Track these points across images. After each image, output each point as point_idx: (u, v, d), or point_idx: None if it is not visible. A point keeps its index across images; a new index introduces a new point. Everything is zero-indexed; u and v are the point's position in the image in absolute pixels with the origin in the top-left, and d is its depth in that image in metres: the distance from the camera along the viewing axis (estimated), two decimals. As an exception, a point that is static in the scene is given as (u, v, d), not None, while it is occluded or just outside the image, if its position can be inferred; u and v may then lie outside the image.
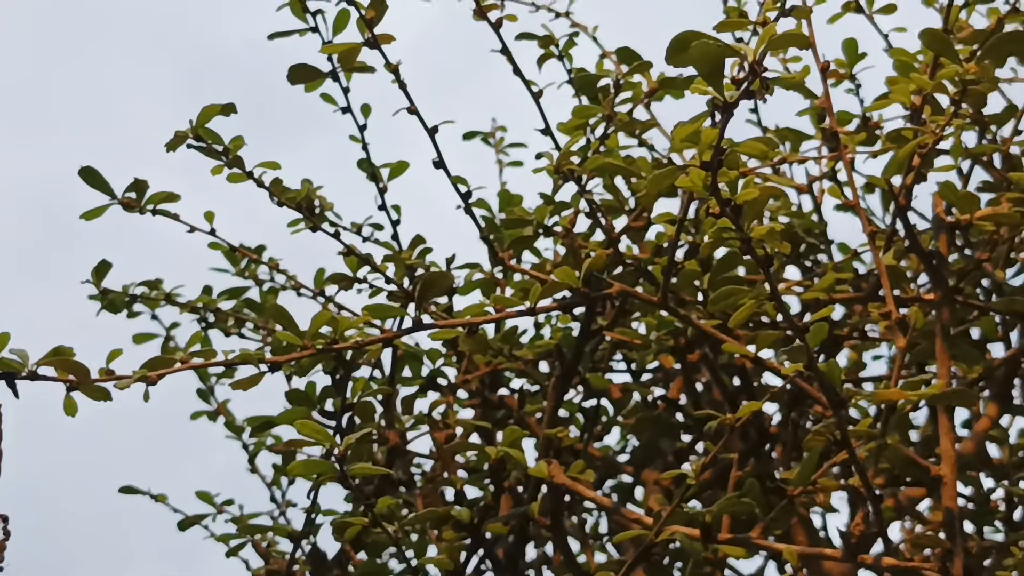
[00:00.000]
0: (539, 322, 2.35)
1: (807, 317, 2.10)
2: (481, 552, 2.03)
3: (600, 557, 2.24)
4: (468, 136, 2.58)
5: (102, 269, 2.07)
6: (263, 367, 1.64)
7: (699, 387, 2.21)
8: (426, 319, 1.65)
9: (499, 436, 1.81)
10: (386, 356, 2.10)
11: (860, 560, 1.66)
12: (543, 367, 2.23)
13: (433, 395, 2.17)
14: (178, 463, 2.34)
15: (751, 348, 1.78)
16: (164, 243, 2.32)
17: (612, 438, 2.54)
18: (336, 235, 1.97)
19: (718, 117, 1.32)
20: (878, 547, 1.73)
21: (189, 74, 4.31)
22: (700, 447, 2.24)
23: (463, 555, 2.06)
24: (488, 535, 1.96)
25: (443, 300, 2.16)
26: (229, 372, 2.43)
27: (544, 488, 1.96)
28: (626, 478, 2.32)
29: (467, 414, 2.23)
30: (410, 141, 2.11)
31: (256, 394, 2.47)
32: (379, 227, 2.13)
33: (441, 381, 2.17)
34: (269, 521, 2.26)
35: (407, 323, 1.65)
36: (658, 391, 2.25)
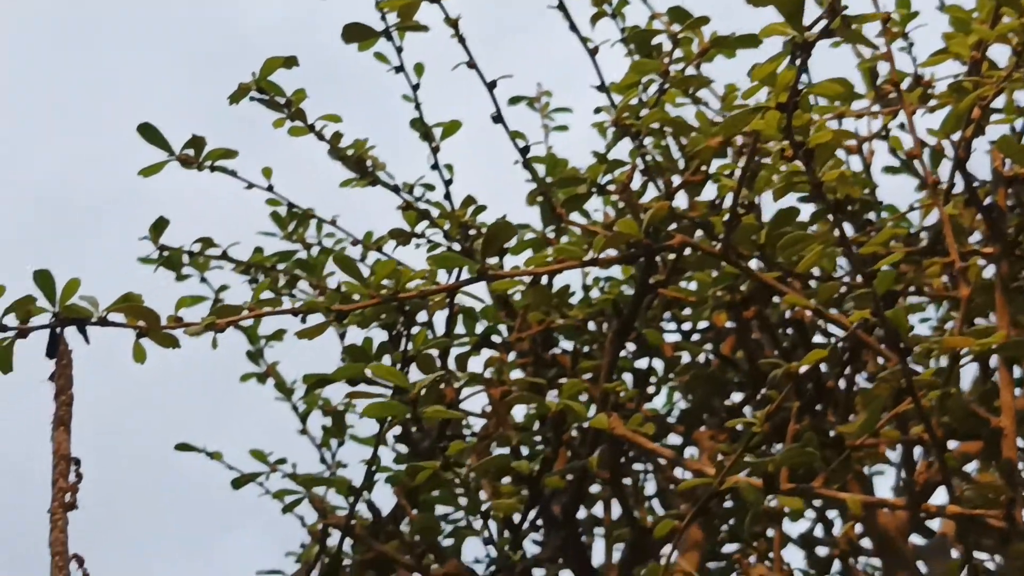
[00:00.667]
0: (588, 284, 2.36)
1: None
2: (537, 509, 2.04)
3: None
4: (513, 101, 2.59)
5: (160, 225, 2.08)
6: (329, 315, 1.65)
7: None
8: (490, 267, 1.66)
9: (552, 396, 1.82)
10: (438, 318, 2.11)
11: (924, 508, 1.66)
12: (593, 328, 2.23)
13: (487, 353, 2.18)
14: (224, 426, 2.35)
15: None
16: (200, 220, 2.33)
17: (658, 401, 2.55)
18: (395, 189, 1.98)
19: (796, 59, 1.32)
20: (940, 498, 1.74)
21: (207, 57, 4.32)
22: (748, 412, 2.24)
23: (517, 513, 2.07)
24: (545, 490, 1.97)
25: (494, 260, 2.17)
26: (279, 334, 2.43)
27: (597, 453, 1.97)
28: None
29: (518, 374, 2.24)
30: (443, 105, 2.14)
31: (300, 361, 2.48)
32: (431, 187, 2.14)
33: (495, 339, 2.18)
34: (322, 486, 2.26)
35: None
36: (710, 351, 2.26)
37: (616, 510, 2.30)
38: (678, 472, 2.21)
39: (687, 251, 2.04)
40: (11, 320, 1.52)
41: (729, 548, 2.28)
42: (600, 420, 1.81)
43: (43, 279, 1.52)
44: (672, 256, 2.06)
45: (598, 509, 2.32)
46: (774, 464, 1.70)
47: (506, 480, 2.03)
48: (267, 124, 1.89)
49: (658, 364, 2.28)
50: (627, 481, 2.23)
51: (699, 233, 1.92)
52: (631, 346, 2.23)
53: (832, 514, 2.34)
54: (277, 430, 2.47)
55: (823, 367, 2.04)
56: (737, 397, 2.27)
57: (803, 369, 1.60)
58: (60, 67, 4.32)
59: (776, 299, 2.18)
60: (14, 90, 4.25)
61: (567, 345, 2.26)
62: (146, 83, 4.24)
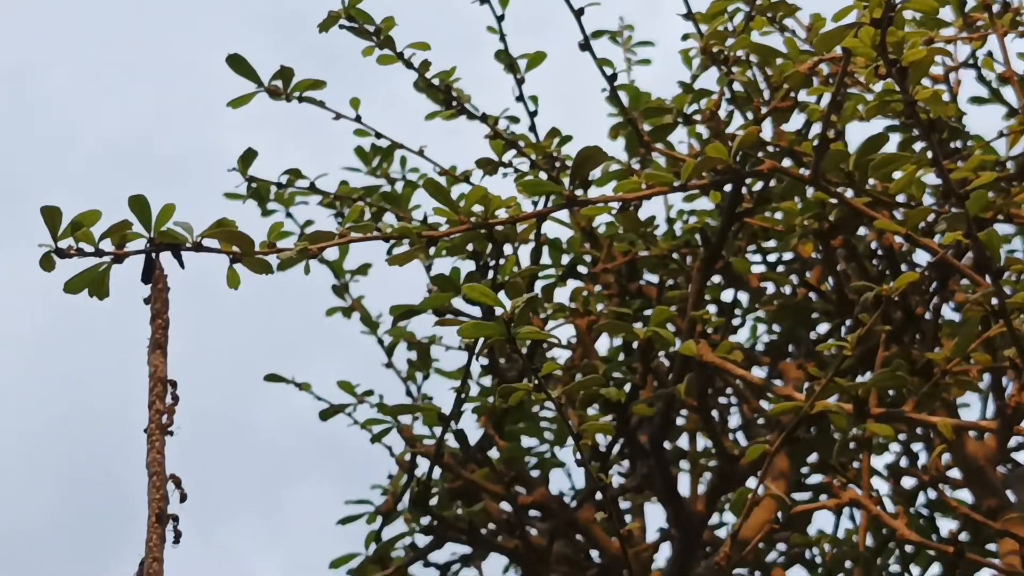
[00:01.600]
0: (672, 218, 2.36)
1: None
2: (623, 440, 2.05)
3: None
4: (596, 35, 2.58)
5: (248, 157, 2.09)
6: (419, 241, 1.66)
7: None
8: (579, 195, 1.66)
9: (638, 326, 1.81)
10: (524, 252, 2.11)
11: (1017, 432, 1.66)
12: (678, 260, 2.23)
13: (573, 284, 2.19)
14: (309, 362, 2.36)
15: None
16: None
17: (743, 335, 2.55)
18: (483, 118, 1.98)
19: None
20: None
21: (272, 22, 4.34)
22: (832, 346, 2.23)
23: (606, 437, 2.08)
24: (632, 419, 1.98)
25: (579, 192, 2.17)
26: (364, 268, 2.44)
27: (684, 381, 1.97)
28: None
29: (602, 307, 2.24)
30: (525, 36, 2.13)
31: (384, 297, 2.48)
32: (515, 120, 2.14)
33: (580, 270, 2.18)
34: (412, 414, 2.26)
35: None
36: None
37: (701, 443, 2.31)
38: (765, 405, 2.21)
39: (775, 179, 2.04)
40: (107, 245, 1.53)
41: (814, 479, 2.28)
42: (689, 346, 1.81)
43: (138, 205, 1.53)
44: (759, 186, 2.05)
45: (683, 442, 2.33)
46: (865, 388, 1.70)
47: (593, 411, 2.04)
48: (349, 66, 1.90)
49: (743, 297, 2.28)
50: (713, 414, 2.24)
51: (787, 162, 1.91)
52: (716, 279, 2.23)
53: (917, 447, 2.34)
54: (362, 365, 2.48)
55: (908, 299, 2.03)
56: (823, 329, 2.26)
57: (895, 292, 1.59)
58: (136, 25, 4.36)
59: (863, 231, 2.17)
60: (88, 44, 4.28)
61: (652, 279, 2.27)
62: (224, 35, 4.26)
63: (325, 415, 2.21)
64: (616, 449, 2.15)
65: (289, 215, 2.39)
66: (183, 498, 1.48)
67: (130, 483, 1.50)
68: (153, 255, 1.54)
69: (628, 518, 2.26)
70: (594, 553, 2.26)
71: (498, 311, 1.45)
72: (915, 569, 2.27)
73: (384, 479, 2.29)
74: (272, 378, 2.21)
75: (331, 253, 2.42)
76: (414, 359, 2.36)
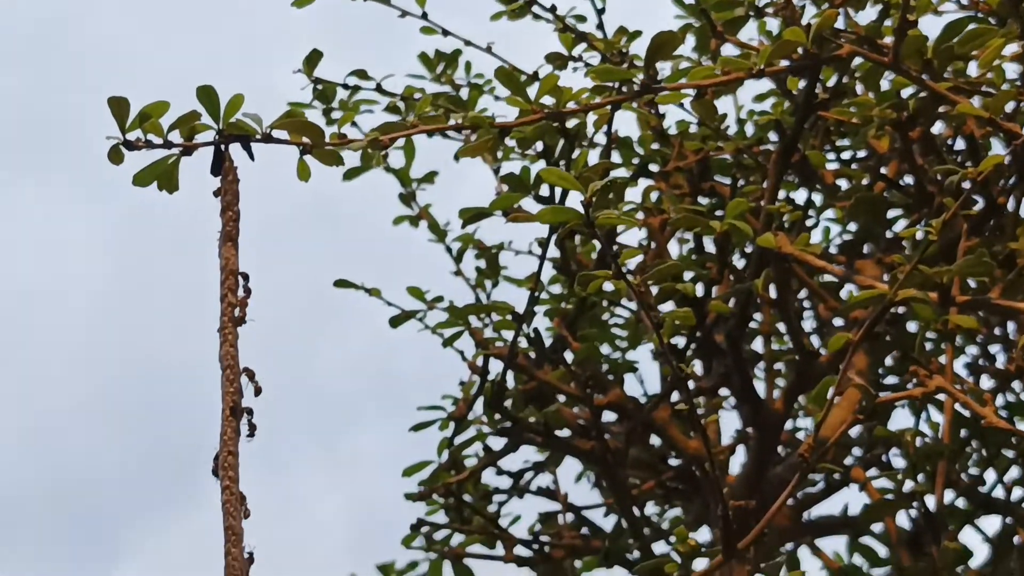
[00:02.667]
0: (742, 118, 2.32)
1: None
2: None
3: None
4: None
5: (313, 58, 2.06)
6: (491, 132, 1.63)
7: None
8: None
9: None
10: (593, 157, 2.08)
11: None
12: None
13: (644, 183, 2.15)
14: (377, 273, 2.33)
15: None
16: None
17: (816, 237, 2.51)
18: (552, 8, 1.95)
19: None
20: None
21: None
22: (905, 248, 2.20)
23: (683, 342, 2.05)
24: (709, 318, 1.95)
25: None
26: (430, 176, 2.42)
27: (762, 276, 1.93)
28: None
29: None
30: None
31: (451, 206, 2.45)
32: (582, 19, 2.10)
33: (652, 169, 2.14)
34: (479, 320, 2.24)
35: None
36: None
37: (777, 347, 2.28)
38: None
39: (850, 74, 2.00)
40: (176, 137, 1.51)
41: (893, 381, 2.25)
42: (767, 238, 1.78)
43: (207, 95, 1.50)
44: (834, 81, 2.01)
45: (758, 345, 2.30)
46: (950, 275, 1.66)
47: (667, 309, 2.01)
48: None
49: (817, 198, 2.24)
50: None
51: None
52: (789, 179, 2.19)
53: (995, 349, 2.30)
54: (431, 276, 2.45)
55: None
56: (900, 228, 2.22)
57: (980, 175, 1.55)
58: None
59: (939, 127, 2.13)
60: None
61: (723, 180, 2.23)
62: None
63: (396, 321, 2.19)
64: (692, 350, 2.12)
65: (355, 124, 2.36)
66: (257, 391, 1.47)
67: (205, 378, 1.48)
68: (222, 146, 1.52)
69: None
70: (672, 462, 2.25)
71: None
72: (989, 476, 2.24)
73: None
74: (341, 284, 2.18)
75: (397, 160, 2.40)
76: (483, 267, 2.34)
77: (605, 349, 2.27)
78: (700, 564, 1.67)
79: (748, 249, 2.10)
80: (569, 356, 2.09)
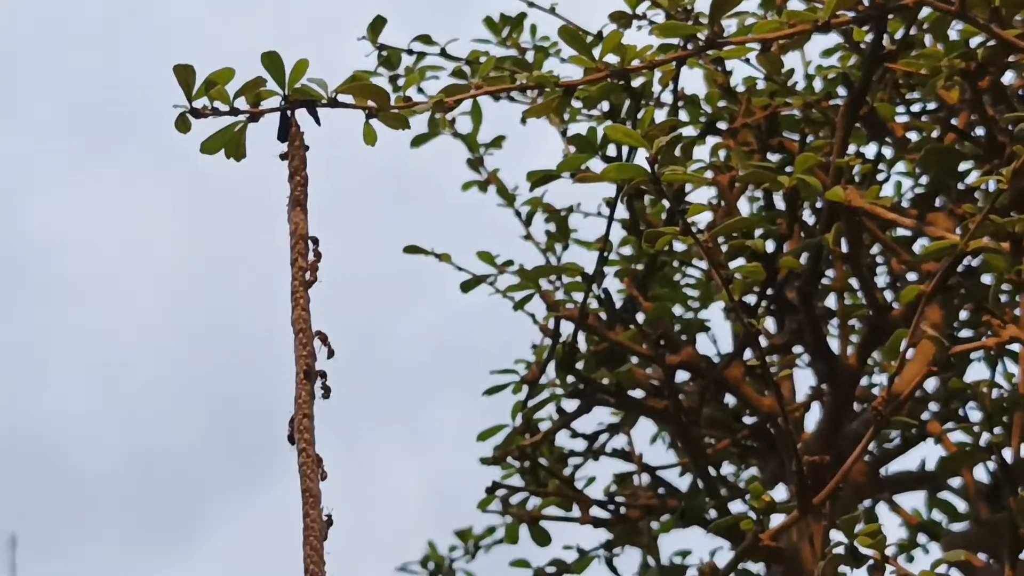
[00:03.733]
0: (810, 74, 2.30)
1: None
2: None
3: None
4: None
5: (377, 25, 2.06)
6: (556, 91, 1.62)
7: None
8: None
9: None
10: (660, 116, 2.07)
11: None
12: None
13: (712, 141, 2.14)
14: (444, 242, 2.34)
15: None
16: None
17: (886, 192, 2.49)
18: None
19: None
20: None
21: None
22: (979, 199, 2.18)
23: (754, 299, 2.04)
24: (780, 274, 1.94)
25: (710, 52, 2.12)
26: (498, 141, 2.42)
27: (833, 230, 1.92)
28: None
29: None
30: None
31: (519, 170, 2.45)
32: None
33: (720, 126, 2.13)
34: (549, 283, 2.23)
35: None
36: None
37: (850, 302, 2.26)
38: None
39: (918, 26, 1.98)
40: (242, 104, 1.51)
41: (967, 334, 2.23)
42: (836, 192, 1.76)
43: (272, 62, 1.50)
44: (901, 32, 1.99)
45: (831, 302, 2.29)
46: (1021, 224, 1.64)
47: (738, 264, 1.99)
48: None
49: (887, 152, 2.22)
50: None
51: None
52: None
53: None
54: (501, 241, 2.46)
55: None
56: (971, 180, 2.20)
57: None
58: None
59: (1010, 74, 2.10)
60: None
61: (792, 137, 2.21)
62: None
63: (466, 286, 2.19)
64: (763, 307, 2.11)
65: (420, 90, 2.36)
66: (331, 354, 1.47)
67: (279, 342, 1.49)
68: (288, 112, 1.52)
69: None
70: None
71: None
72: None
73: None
74: (411, 249, 2.18)
75: (464, 126, 2.40)
76: (552, 231, 2.33)
77: (677, 310, 2.27)
78: (776, 521, 1.67)
79: (818, 204, 2.08)
80: (640, 317, 2.09)
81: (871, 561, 1.52)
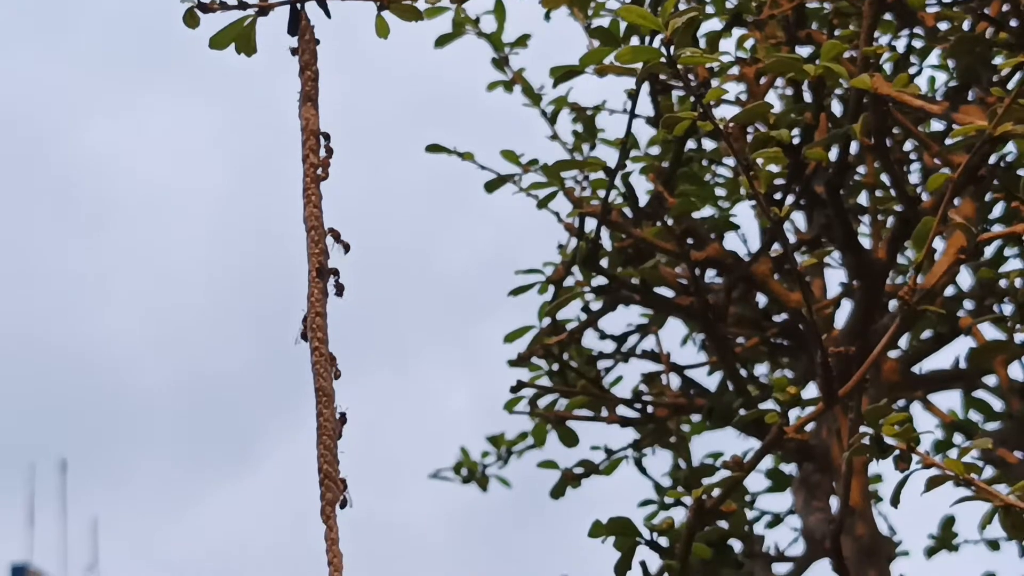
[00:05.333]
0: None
1: None
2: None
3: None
4: None
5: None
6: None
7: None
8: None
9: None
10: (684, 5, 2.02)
11: None
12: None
13: (738, 32, 2.10)
14: (470, 143, 2.30)
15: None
16: None
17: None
18: None
19: None
20: None
21: None
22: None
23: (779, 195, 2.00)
24: (807, 167, 1.90)
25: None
26: (523, 40, 2.38)
27: (860, 120, 1.88)
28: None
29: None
30: None
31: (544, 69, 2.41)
32: None
33: (747, 18, 2.09)
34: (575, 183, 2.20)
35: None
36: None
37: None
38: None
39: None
40: (250, -4, 1.48)
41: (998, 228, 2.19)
42: (862, 80, 1.72)
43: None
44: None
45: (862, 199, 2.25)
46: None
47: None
48: None
49: (918, 44, 2.17)
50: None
51: None
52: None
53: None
54: (526, 142, 2.42)
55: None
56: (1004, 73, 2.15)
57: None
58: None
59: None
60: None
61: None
62: None
63: (491, 186, 2.16)
64: (791, 203, 2.07)
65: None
66: (346, 249, 1.45)
67: (290, 240, 1.47)
68: (298, 5, 1.49)
69: (807, 279, 2.20)
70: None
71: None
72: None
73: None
74: (434, 148, 2.16)
75: (488, 25, 2.36)
76: (580, 131, 2.30)
77: (707, 211, 2.23)
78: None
79: (845, 95, 2.04)
80: (666, 216, 2.05)
81: (897, 452, 1.50)
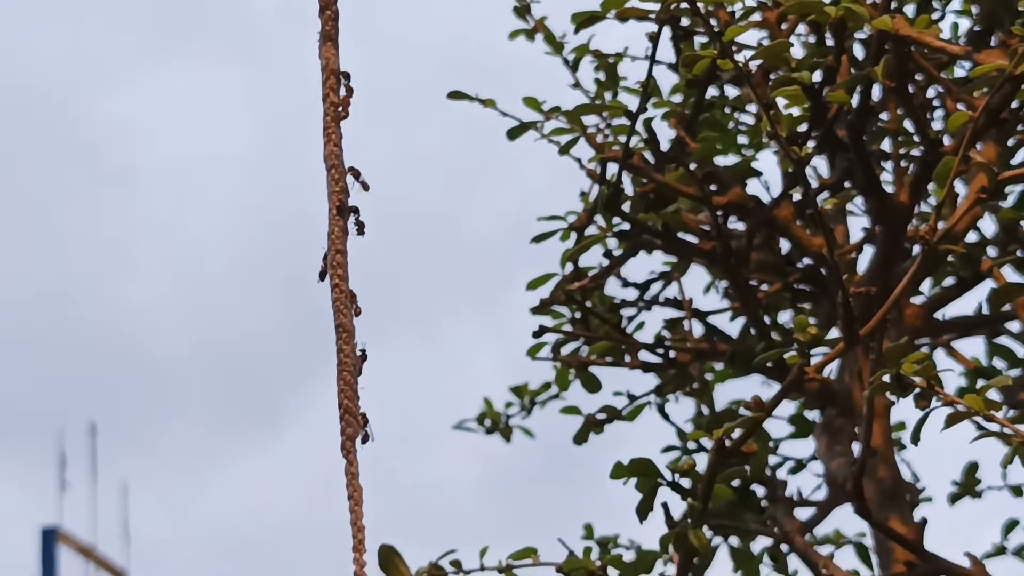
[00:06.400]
0: None
1: None
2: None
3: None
4: None
5: None
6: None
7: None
8: None
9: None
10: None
11: None
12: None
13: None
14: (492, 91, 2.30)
15: None
16: None
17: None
18: None
19: None
20: None
21: None
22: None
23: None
24: (829, 110, 1.89)
25: None
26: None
27: (882, 63, 1.87)
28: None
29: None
30: None
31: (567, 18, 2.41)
32: None
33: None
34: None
35: None
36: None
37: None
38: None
39: None
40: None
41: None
42: (883, 21, 1.72)
43: None
44: None
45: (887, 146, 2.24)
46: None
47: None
48: None
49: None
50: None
51: None
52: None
53: None
54: (549, 91, 2.42)
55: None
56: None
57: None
58: None
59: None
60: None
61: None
62: None
63: (513, 133, 2.16)
64: (813, 147, 2.07)
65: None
66: (365, 187, 1.46)
67: (310, 177, 1.47)
68: (317, -56, 1.49)
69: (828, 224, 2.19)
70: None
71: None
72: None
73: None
74: (455, 95, 2.15)
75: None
76: (602, 79, 2.29)
77: (730, 159, 2.23)
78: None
79: (867, 39, 2.03)
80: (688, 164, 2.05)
81: (917, 390, 1.50)
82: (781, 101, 1.82)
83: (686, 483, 1.77)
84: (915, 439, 1.51)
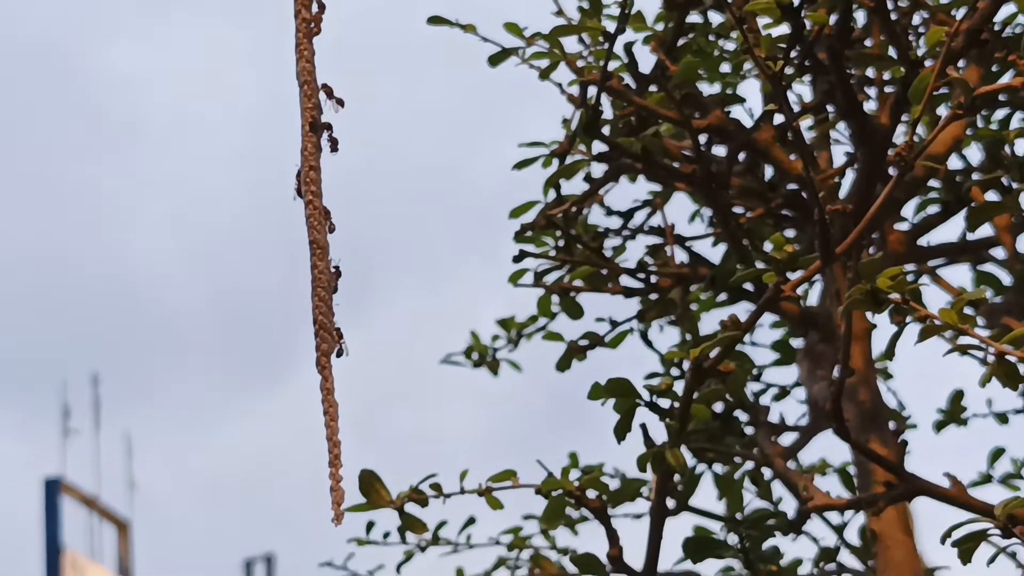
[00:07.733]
0: None
1: None
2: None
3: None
4: None
5: None
6: None
7: None
8: None
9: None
10: None
11: None
12: None
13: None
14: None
15: None
16: None
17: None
18: None
19: None
20: None
21: None
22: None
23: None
24: (809, 32, 1.88)
25: None
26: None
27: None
28: None
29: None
30: None
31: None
32: None
33: None
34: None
35: None
36: None
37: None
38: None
39: None
40: None
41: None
42: (861, -63, 1.71)
43: None
44: None
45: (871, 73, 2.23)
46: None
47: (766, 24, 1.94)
48: None
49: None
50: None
51: None
52: None
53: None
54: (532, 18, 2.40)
55: None
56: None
57: None
58: None
59: None
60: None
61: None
62: None
63: (495, 59, 2.14)
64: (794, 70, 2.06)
65: None
66: (340, 104, 1.45)
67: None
68: None
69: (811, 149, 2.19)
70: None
71: None
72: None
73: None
74: (435, 20, 2.14)
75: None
76: (586, 7, 2.28)
77: (714, 87, 2.22)
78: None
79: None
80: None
81: (892, 305, 1.50)
82: (761, 22, 1.82)
83: (664, 404, 1.77)
84: (890, 355, 1.51)
